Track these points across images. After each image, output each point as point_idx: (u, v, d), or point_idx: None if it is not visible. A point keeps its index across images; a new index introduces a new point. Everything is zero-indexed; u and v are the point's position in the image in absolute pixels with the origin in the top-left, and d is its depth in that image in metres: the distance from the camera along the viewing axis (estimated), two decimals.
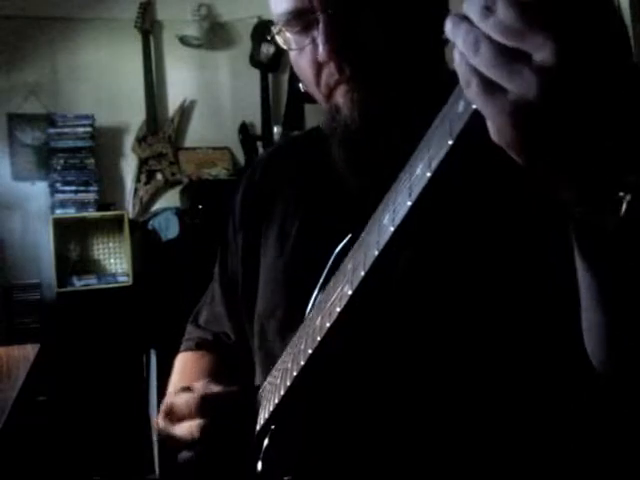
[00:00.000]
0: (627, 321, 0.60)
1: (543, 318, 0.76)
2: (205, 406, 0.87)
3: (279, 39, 0.88)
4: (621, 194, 0.48)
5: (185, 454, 0.91)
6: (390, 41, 0.83)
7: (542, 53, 0.44)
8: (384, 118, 0.83)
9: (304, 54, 0.86)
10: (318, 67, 0.85)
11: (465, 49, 0.47)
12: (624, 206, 0.48)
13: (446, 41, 0.89)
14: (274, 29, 0.87)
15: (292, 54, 0.89)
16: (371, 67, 0.82)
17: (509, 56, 0.45)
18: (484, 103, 0.47)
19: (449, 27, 0.49)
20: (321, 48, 0.81)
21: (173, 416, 0.90)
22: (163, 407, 0.93)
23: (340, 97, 0.85)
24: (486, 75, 0.46)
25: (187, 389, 0.91)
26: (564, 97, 0.44)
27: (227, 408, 0.87)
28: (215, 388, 0.90)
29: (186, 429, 0.87)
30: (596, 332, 0.65)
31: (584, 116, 0.45)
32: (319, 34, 0.81)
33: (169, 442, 0.90)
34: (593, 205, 0.50)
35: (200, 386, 0.90)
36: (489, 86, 0.46)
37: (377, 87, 0.83)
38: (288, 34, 0.87)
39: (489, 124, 0.48)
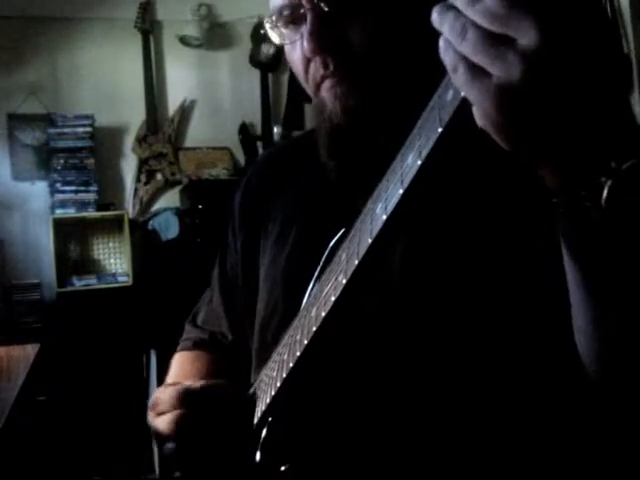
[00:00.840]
0: (614, 316, 0.61)
1: (537, 309, 0.77)
2: (184, 398, 0.87)
3: (273, 33, 0.89)
4: (603, 179, 0.49)
5: (167, 446, 0.92)
6: (376, 37, 0.83)
7: (526, 38, 0.45)
8: (367, 113, 0.84)
9: (295, 49, 0.88)
10: (306, 62, 0.86)
11: (452, 36, 0.48)
12: (605, 192, 0.49)
13: None
14: (268, 23, 0.88)
15: (286, 49, 0.90)
16: (355, 62, 0.83)
17: (495, 41, 0.46)
18: (470, 88, 0.48)
19: (435, 16, 0.50)
20: (306, 43, 0.82)
21: (156, 409, 0.90)
22: (150, 402, 0.93)
23: (325, 92, 0.86)
24: (472, 60, 0.47)
25: (174, 384, 0.92)
26: (547, 81, 0.46)
27: (207, 399, 0.87)
28: (199, 383, 0.90)
29: (164, 421, 0.88)
30: (584, 329, 0.65)
31: (567, 100, 0.46)
32: (306, 29, 0.82)
33: (156, 435, 0.91)
34: (576, 191, 0.50)
35: (187, 382, 0.92)
36: (475, 71, 0.47)
37: (361, 82, 0.84)
38: (282, 29, 0.88)
39: (474, 108, 0.49)
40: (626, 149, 0.49)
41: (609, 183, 0.48)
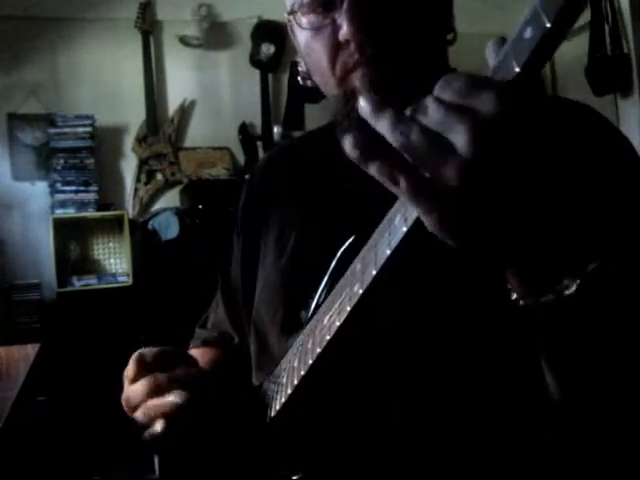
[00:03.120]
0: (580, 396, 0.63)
1: None
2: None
3: (291, 19, 0.87)
4: (566, 282, 0.50)
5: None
6: (411, 29, 0.83)
7: (460, 142, 0.47)
8: (401, 104, 0.83)
9: (320, 35, 0.85)
10: (335, 48, 0.84)
11: (394, 135, 0.50)
12: (573, 290, 0.50)
13: (450, 42, 0.90)
14: (288, 8, 0.86)
15: (304, 37, 0.88)
16: (392, 51, 0.82)
17: (436, 145, 0.48)
18: (416, 201, 0.49)
19: (368, 109, 0.52)
20: (345, 26, 0.80)
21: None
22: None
23: (357, 80, 0.84)
24: (414, 169, 0.49)
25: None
26: (481, 185, 0.47)
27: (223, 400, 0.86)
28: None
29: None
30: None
31: (503, 204, 0.48)
32: (343, 12, 0.81)
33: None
34: (540, 294, 0.52)
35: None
36: (419, 183, 0.48)
37: (395, 71, 0.82)
38: (303, 17, 0.86)
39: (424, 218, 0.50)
40: (588, 252, 0.50)
41: (574, 286, 0.50)
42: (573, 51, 4.70)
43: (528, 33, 0.43)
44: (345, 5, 0.81)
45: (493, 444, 0.79)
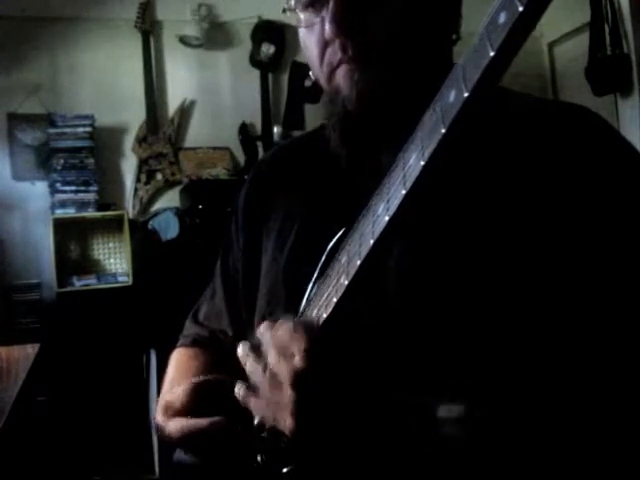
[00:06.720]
0: None
1: (537, 312, 0.76)
2: (195, 397, 0.88)
3: (291, 16, 0.89)
4: None
5: (180, 453, 0.92)
6: (397, 28, 0.83)
7: (285, 382, 0.71)
8: (383, 101, 0.84)
9: (312, 33, 0.87)
10: (323, 46, 0.86)
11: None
12: None
13: (455, 40, 0.90)
14: (286, 5, 0.88)
15: (301, 34, 0.90)
16: (374, 49, 0.83)
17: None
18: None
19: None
20: (327, 25, 0.82)
21: (168, 412, 0.90)
22: (160, 403, 0.93)
23: (340, 78, 0.85)
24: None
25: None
26: (301, 402, 0.71)
27: (216, 398, 0.87)
28: (204, 379, 0.91)
29: (178, 426, 0.88)
30: None
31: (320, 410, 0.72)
32: (328, 12, 0.82)
33: (166, 439, 0.91)
34: None
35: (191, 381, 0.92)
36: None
37: (379, 69, 0.83)
38: (300, 14, 0.88)
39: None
40: None
41: None
42: (573, 51, 4.71)
43: (502, 18, 0.44)
44: (330, 4, 0.82)
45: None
